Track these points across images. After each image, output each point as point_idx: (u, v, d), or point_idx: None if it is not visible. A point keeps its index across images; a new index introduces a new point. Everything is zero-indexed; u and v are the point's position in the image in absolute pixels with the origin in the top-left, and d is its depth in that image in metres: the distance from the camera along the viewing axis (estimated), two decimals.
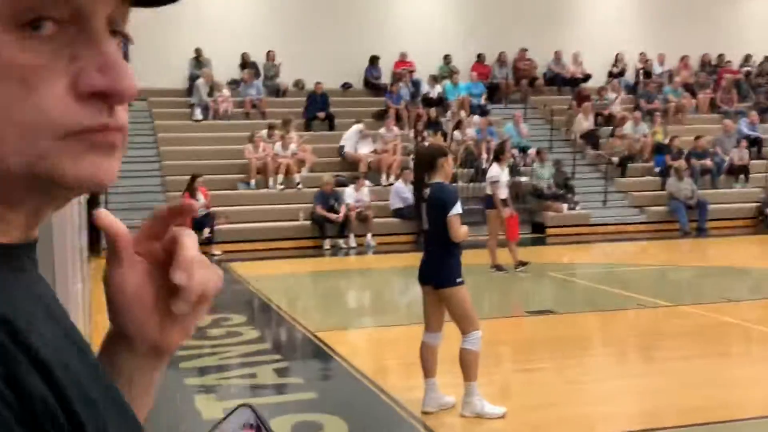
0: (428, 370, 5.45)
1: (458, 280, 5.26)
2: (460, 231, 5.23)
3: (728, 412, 5.43)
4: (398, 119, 18.66)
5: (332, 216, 14.90)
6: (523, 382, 6.38)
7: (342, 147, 16.96)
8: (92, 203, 15.42)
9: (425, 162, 5.44)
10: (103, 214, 0.78)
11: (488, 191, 11.51)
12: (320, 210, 14.96)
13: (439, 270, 5.28)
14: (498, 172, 11.25)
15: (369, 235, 15.09)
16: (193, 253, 0.78)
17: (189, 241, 0.79)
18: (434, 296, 5.35)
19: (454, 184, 15.63)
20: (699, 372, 6.53)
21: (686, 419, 5.27)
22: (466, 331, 5.28)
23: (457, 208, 5.24)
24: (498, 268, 11.44)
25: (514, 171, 16.35)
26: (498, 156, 11.67)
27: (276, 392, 6.12)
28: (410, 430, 5.19)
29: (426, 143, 5.74)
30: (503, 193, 11.32)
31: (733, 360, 6.93)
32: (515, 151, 16.99)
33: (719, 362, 6.84)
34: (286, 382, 6.39)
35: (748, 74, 22.50)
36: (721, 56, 22.81)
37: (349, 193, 15.43)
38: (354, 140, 16.95)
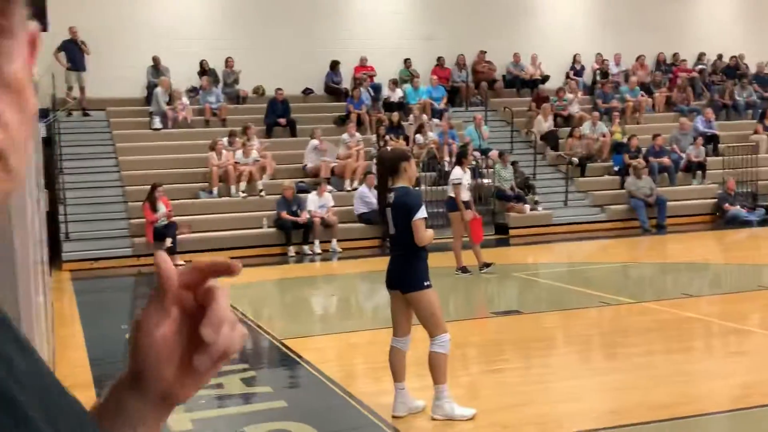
0: (397, 375, 5.45)
1: (426, 283, 5.26)
2: (425, 235, 5.25)
3: (694, 407, 5.51)
4: (360, 124, 18.67)
5: (298, 219, 14.85)
6: (491, 382, 6.41)
7: (305, 165, 16.83)
8: (52, 215, 15.22)
9: (388, 166, 5.43)
10: (162, 258, 0.79)
11: (450, 194, 11.56)
12: (285, 215, 14.90)
13: (406, 274, 5.28)
14: (460, 174, 11.30)
15: (334, 241, 15.06)
16: (226, 312, 0.78)
17: (224, 299, 0.79)
18: (402, 301, 5.35)
19: (417, 188, 15.63)
20: (663, 368, 6.62)
21: (653, 415, 5.33)
22: (435, 334, 5.29)
23: (422, 212, 5.25)
24: (463, 270, 11.48)
25: (476, 173, 16.45)
26: (460, 159, 11.73)
27: (245, 402, 6.07)
28: None
29: (388, 147, 5.65)
30: (465, 195, 11.37)
31: (696, 355, 7.04)
32: (477, 154, 17.10)
33: (683, 357, 6.94)
34: (255, 391, 6.35)
35: (702, 72, 22.91)
36: (675, 55, 23.19)
37: (312, 199, 15.39)
38: (313, 155, 16.80)
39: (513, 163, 17.53)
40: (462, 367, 7.03)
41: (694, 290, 10.31)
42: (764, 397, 5.63)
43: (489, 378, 6.55)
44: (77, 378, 7.02)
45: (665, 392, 5.87)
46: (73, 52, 17.77)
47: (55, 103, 17.27)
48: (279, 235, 15.09)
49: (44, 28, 9.99)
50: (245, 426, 5.41)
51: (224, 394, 6.33)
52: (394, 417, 5.40)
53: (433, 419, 5.33)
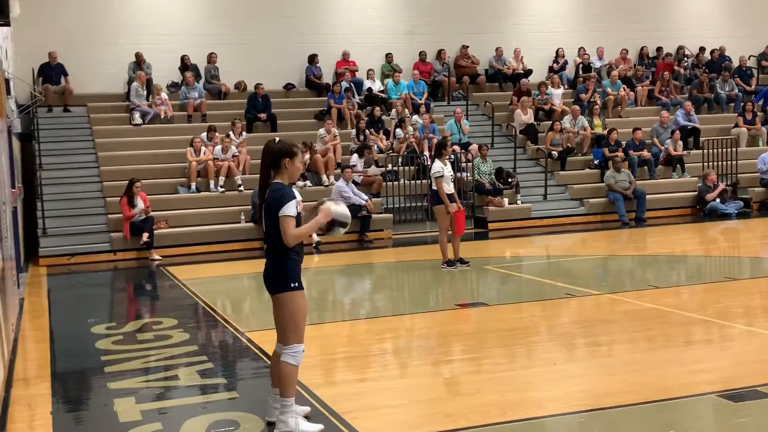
0: (275, 380, 5.23)
1: (293, 284, 5.00)
2: (294, 233, 4.92)
3: (639, 396, 5.57)
4: (341, 119, 18.71)
5: None
6: (441, 372, 6.46)
7: None
8: (29, 214, 15.21)
9: (269, 160, 5.11)
10: None
11: (433, 187, 11.51)
12: None
13: (275, 274, 5.03)
14: (440, 167, 11.26)
15: (314, 234, 15.04)
16: None
17: None
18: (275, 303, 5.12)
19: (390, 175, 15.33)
20: (616, 357, 6.69)
21: (597, 403, 5.40)
22: (290, 342, 5.03)
23: (290, 209, 4.92)
24: (449, 263, 11.48)
25: (455, 167, 16.48)
26: (439, 150, 11.70)
27: (196, 393, 6.11)
28: (327, 425, 5.23)
29: (276, 139, 5.24)
30: (449, 187, 11.35)
31: (651, 344, 7.07)
32: (456, 148, 17.11)
33: (637, 347, 7.00)
34: (209, 382, 6.39)
35: (684, 66, 22.99)
36: (659, 49, 23.24)
37: None
38: None
39: (499, 170, 17.44)
40: (416, 357, 7.10)
41: (661, 282, 10.37)
42: (709, 386, 5.69)
43: (440, 368, 6.60)
44: (35, 371, 7.07)
45: (613, 381, 5.94)
46: (50, 74, 17.90)
47: (34, 98, 17.29)
48: (258, 230, 15.12)
49: (6, 23, 9.91)
50: (192, 417, 5.45)
51: (178, 385, 6.39)
52: (268, 423, 5.18)
53: None
